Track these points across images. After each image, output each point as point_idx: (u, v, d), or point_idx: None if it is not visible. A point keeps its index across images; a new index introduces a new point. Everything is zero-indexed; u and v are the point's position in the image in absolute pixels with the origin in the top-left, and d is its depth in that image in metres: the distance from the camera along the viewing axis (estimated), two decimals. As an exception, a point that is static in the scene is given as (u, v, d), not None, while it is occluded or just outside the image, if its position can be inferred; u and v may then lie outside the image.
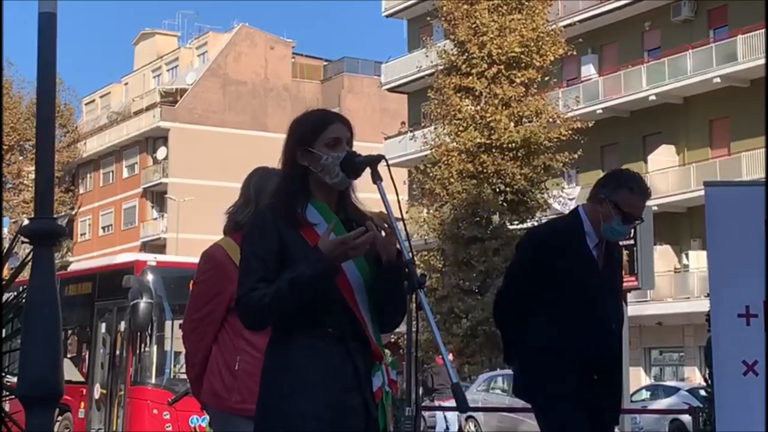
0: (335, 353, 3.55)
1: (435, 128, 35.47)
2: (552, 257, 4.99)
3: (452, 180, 33.42)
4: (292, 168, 3.70)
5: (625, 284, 17.91)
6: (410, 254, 3.52)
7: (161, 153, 63.48)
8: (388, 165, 3.66)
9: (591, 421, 4.91)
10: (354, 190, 3.78)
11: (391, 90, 50.28)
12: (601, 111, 38.80)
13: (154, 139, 65.03)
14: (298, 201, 3.65)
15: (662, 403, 27.85)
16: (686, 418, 22.95)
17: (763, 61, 33.15)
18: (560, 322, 4.95)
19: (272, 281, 3.53)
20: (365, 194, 4.03)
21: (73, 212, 66.20)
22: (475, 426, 26.40)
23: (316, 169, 3.66)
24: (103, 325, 16.71)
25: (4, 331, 6.98)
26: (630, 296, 19.25)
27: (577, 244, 5.02)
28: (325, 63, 70.70)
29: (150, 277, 15.58)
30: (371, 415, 3.60)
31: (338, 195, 3.74)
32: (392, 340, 33.70)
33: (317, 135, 3.68)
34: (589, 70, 41.56)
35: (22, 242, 6.53)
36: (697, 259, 35.65)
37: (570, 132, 33.68)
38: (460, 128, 33.87)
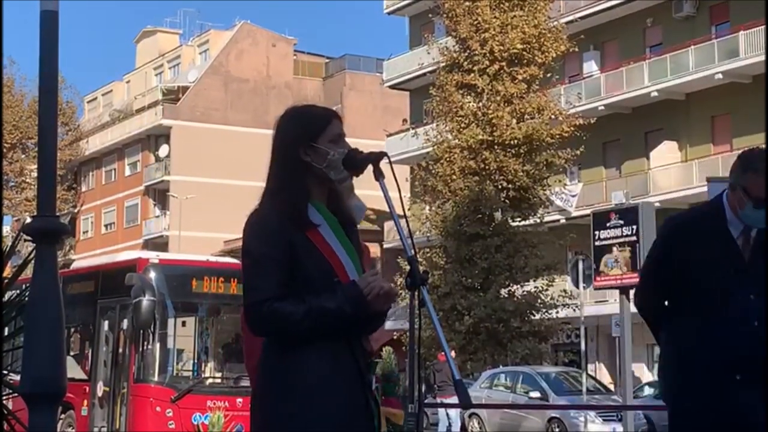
0: (341, 352, 3.55)
1: (437, 125, 35.47)
2: (684, 247, 4.56)
3: (454, 177, 33.42)
4: (294, 164, 3.64)
5: (628, 281, 17.99)
6: (413, 251, 3.51)
7: (163, 151, 63.53)
8: (390, 162, 3.64)
9: (738, 422, 4.45)
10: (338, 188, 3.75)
11: (392, 87, 50.30)
12: (602, 107, 38.79)
13: (156, 137, 65.09)
14: (299, 201, 3.61)
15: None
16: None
17: (764, 57, 33.12)
18: (695, 319, 4.52)
19: (287, 286, 3.51)
20: (367, 191, 4.03)
21: (76, 210, 66.34)
22: (479, 423, 26.40)
23: (321, 164, 3.62)
24: (106, 323, 16.72)
25: (6, 329, 6.99)
26: (632, 292, 19.21)
27: (716, 232, 4.55)
28: (327, 60, 70.70)
29: (152, 274, 15.59)
30: (372, 413, 3.60)
31: (328, 193, 3.71)
32: (394, 337, 33.73)
33: (322, 130, 3.65)
34: (590, 67, 41.56)
35: (25, 240, 6.54)
36: (700, 256, 35.63)
37: (572, 128, 33.66)
38: (462, 125, 33.86)
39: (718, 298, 4.48)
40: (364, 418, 3.56)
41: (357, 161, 3.62)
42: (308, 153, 3.63)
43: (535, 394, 25.17)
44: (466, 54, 34.20)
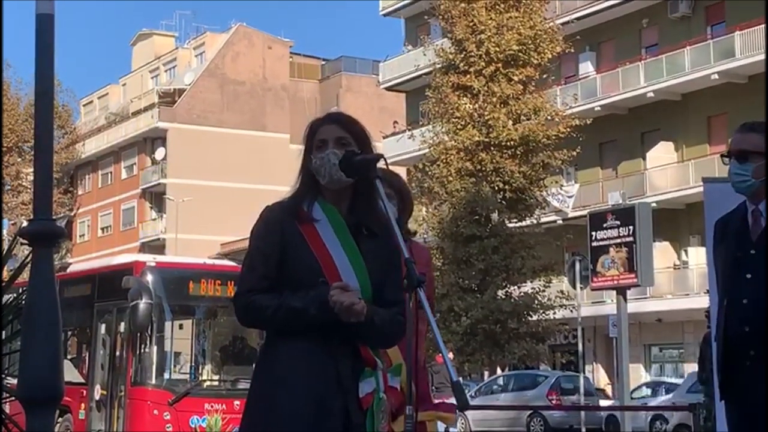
0: (318, 354, 3.56)
1: (433, 127, 35.46)
2: (717, 241, 4.79)
3: (451, 178, 33.41)
4: (302, 177, 3.74)
5: (624, 281, 18.00)
6: (409, 253, 3.50)
7: (160, 153, 63.45)
8: (386, 164, 3.66)
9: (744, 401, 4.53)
10: (376, 193, 3.66)
11: (389, 89, 50.25)
12: (599, 108, 38.79)
13: (153, 140, 65.02)
14: (304, 199, 3.68)
15: (662, 400, 27.83)
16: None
17: (760, 57, 33.13)
18: (720, 306, 4.71)
19: (273, 279, 3.59)
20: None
21: (72, 213, 66.26)
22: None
23: (314, 173, 3.70)
24: (103, 326, 16.70)
25: (4, 332, 6.98)
26: (629, 293, 19.22)
27: (738, 218, 4.70)
28: (323, 62, 70.66)
29: (149, 277, 15.56)
30: (351, 420, 3.57)
31: (352, 199, 3.71)
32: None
33: (311, 142, 3.73)
34: (587, 68, 41.57)
35: (22, 244, 6.53)
36: (697, 256, 35.64)
37: (568, 129, 33.66)
38: (459, 126, 33.86)
39: (727, 282, 4.65)
40: (337, 422, 3.54)
41: (353, 163, 3.64)
42: (311, 166, 3.72)
43: None
44: (462, 55, 34.19)
